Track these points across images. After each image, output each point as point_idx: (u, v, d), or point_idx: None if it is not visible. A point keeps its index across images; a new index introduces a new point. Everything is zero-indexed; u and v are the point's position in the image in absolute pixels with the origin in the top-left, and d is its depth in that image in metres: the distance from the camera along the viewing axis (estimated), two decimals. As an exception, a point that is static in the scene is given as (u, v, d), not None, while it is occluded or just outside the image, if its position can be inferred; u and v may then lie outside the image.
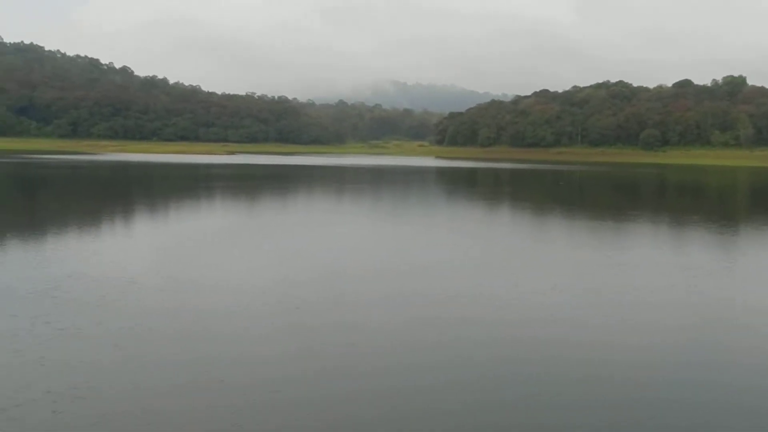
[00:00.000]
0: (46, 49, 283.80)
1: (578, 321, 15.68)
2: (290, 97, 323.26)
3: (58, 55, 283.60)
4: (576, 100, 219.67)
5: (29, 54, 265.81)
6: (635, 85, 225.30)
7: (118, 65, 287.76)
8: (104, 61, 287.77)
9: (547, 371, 12.10)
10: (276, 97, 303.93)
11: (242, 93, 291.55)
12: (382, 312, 15.96)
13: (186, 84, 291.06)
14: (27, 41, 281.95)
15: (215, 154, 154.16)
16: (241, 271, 20.72)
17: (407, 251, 25.15)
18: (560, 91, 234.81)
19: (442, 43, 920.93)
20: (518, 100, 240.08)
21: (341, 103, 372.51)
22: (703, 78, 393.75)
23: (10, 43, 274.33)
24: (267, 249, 25.15)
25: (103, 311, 15.36)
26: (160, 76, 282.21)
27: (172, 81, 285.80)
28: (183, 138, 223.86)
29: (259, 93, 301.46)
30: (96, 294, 16.88)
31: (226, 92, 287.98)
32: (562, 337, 14.26)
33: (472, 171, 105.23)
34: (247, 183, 64.44)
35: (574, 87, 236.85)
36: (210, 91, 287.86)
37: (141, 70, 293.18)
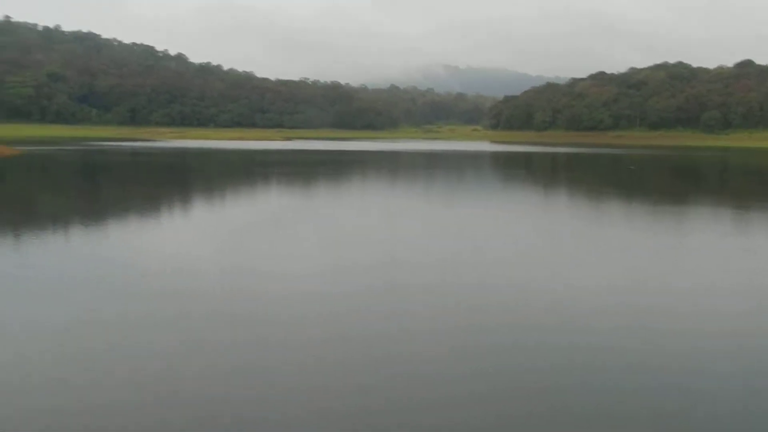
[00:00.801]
0: (103, 37, 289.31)
1: (651, 309, 15.37)
2: (342, 82, 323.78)
3: (115, 43, 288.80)
4: (633, 81, 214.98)
5: (88, 42, 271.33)
6: (695, 65, 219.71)
7: (173, 52, 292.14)
8: (159, 48, 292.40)
9: (617, 359, 11.87)
10: (329, 82, 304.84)
11: (295, 78, 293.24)
12: (437, 300, 15.93)
13: (240, 70, 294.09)
14: (85, 30, 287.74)
15: (272, 140, 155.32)
16: (302, 257, 21.00)
17: (466, 239, 24.96)
18: (617, 72, 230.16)
19: (494, 24, 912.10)
20: (574, 82, 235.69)
21: (393, 88, 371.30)
22: (765, 57, 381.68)
23: (68, 31, 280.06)
24: (327, 236, 25.27)
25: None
26: (215, 63, 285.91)
27: (226, 67, 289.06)
28: (239, 124, 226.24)
29: (312, 78, 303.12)
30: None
31: (279, 78, 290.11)
32: (628, 326, 13.99)
33: (529, 155, 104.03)
34: (305, 169, 64.77)
35: (632, 69, 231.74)
36: (264, 76, 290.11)
37: (195, 57, 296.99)
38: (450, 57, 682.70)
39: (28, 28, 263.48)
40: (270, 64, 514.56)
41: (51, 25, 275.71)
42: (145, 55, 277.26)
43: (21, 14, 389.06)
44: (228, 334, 13.13)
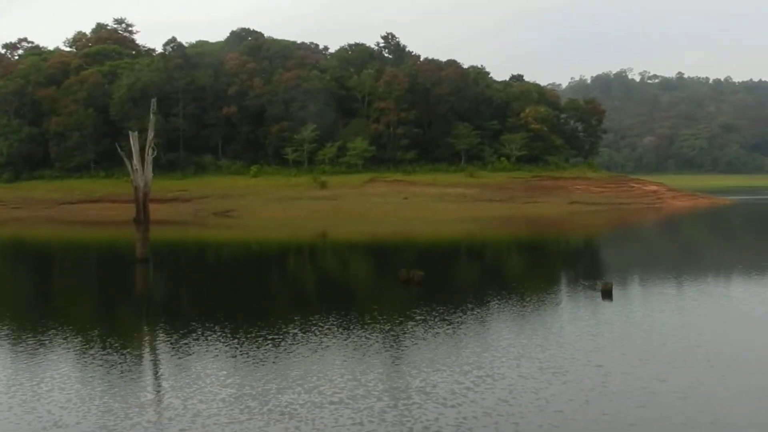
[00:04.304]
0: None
1: None
2: None
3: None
4: None
5: (759, 91, 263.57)
6: None
7: None
8: None
9: None
10: None
11: None
12: None
13: None
14: (756, 79, 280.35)
15: None
16: None
17: None
18: None
19: None
20: None
21: None
22: None
23: (739, 82, 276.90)
24: None
25: None
26: None
27: None
28: None
29: None
30: None
31: None
32: None
33: None
34: None
35: None
36: None
37: None
38: None
39: (699, 83, 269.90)
40: None
41: (721, 77, 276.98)
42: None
43: (692, 70, 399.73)
44: None
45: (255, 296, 25.91)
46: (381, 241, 47.94)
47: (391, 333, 18.17)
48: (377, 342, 17.31)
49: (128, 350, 16.90)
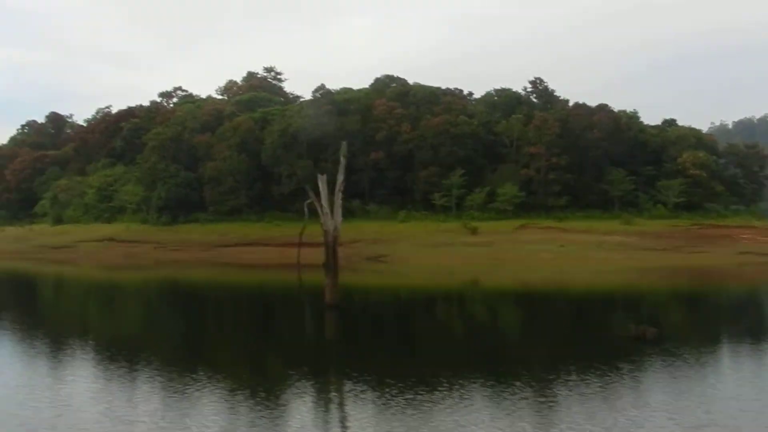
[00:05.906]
0: None
1: None
2: None
3: None
4: None
5: None
6: None
7: None
8: None
9: None
10: None
11: None
12: None
13: None
14: None
15: None
16: None
17: None
18: None
19: None
20: None
21: None
22: None
23: None
24: None
25: None
26: None
27: None
28: None
29: None
30: None
31: None
32: None
33: None
34: None
35: None
36: None
37: None
38: None
39: None
40: None
41: None
42: None
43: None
44: None
45: (458, 347, 24.37)
46: (561, 292, 45.16)
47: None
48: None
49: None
